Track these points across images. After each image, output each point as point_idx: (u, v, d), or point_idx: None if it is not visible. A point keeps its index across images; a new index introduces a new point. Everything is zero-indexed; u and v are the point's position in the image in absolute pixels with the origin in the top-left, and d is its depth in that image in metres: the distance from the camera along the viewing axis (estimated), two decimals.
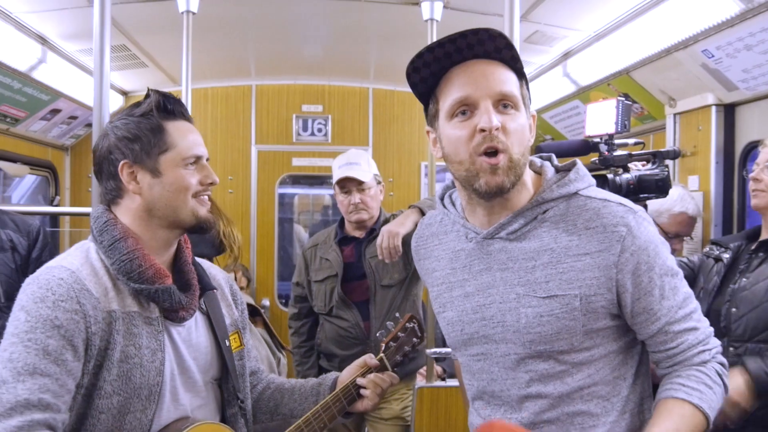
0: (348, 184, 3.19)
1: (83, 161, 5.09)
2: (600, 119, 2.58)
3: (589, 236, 1.50)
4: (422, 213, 2.95)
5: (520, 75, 1.54)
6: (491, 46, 1.49)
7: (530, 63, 4.14)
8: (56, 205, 4.80)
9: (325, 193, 5.93)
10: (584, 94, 3.88)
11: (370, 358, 1.97)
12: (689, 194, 2.98)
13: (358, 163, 3.23)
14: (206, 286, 1.79)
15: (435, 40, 2.37)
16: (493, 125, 1.44)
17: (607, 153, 2.50)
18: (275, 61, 4.93)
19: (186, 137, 1.70)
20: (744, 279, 2.35)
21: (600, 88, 3.71)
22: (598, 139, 2.57)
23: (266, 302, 5.12)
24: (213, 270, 1.91)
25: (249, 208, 5.25)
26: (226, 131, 5.24)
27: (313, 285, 3.29)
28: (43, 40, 3.62)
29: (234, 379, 1.79)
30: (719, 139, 3.04)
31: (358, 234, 3.25)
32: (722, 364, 1.54)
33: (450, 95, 1.51)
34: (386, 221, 3.23)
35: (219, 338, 1.78)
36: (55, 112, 4.29)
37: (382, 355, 2.00)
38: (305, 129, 5.33)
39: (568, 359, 1.52)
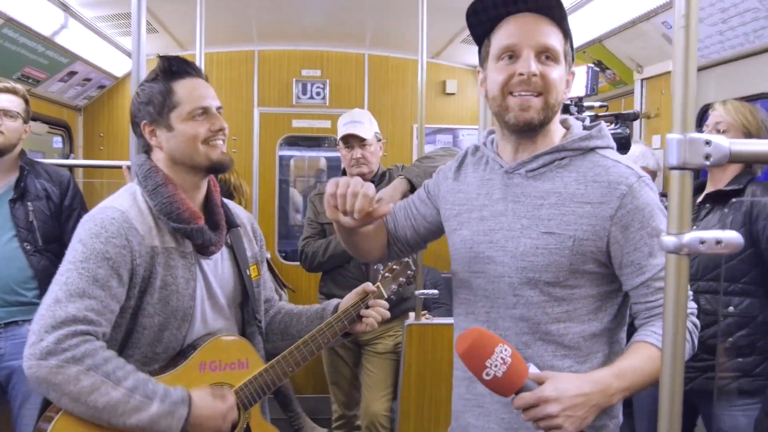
0: (351, 140, 3.50)
1: (95, 121, 5.33)
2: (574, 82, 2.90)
3: (594, 188, 1.63)
4: (410, 183, 3.29)
5: (566, 34, 1.67)
6: (543, 2, 1.62)
7: None
8: None
9: (320, 156, 6.13)
10: None
11: (368, 285, 2.18)
12: (651, 151, 3.30)
13: (362, 121, 3.53)
14: (231, 224, 2.07)
15: (426, 10, 2.63)
16: (531, 70, 1.59)
17: (576, 114, 2.82)
18: (277, 27, 5.13)
19: (191, 93, 1.94)
20: (694, 227, 2.67)
21: (577, 54, 4.00)
22: (568, 101, 2.89)
23: (267, 255, 5.41)
24: (237, 210, 2.19)
25: (251, 168, 5.46)
26: (231, 94, 5.41)
27: (326, 227, 3.59)
28: (65, 6, 3.87)
29: (253, 303, 2.08)
30: None
31: None
32: (695, 324, 1.63)
33: (499, 41, 1.66)
34: (383, 175, 3.57)
35: (241, 269, 2.07)
36: (72, 74, 4.55)
37: (379, 283, 2.23)
38: (304, 92, 5.51)
39: (551, 292, 1.65)
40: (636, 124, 3.63)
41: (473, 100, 5.57)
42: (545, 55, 1.62)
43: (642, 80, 3.61)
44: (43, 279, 3.07)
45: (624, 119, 2.81)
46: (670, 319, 1.10)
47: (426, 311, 3.66)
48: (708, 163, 1.06)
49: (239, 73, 5.48)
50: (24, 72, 4.01)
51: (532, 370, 1.50)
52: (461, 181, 1.89)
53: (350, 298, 2.19)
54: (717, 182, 2.70)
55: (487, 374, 1.43)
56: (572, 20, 3.70)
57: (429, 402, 3.42)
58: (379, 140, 3.62)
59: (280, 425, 4.66)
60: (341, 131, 3.54)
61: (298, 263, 3.83)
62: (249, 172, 5.44)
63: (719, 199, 2.65)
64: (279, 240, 5.61)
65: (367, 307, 2.16)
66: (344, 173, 3.66)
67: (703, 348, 2.47)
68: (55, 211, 3.20)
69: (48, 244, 3.14)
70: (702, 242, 1.07)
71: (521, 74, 1.61)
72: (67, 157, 5.08)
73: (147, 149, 2.00)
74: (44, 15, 3.77)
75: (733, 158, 1.08)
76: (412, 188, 3.27)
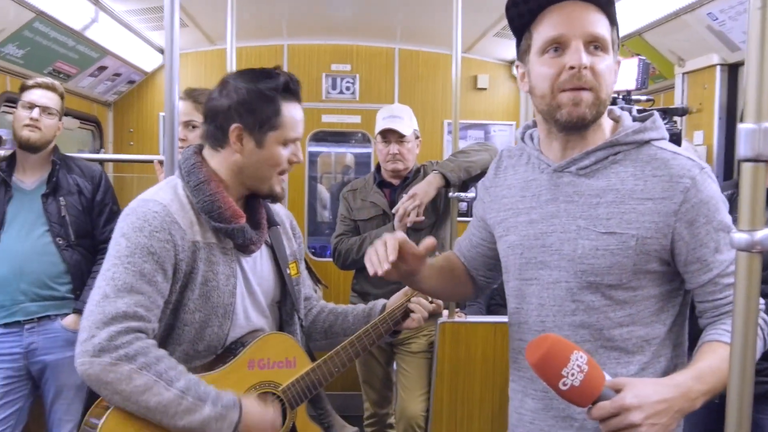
0: (389, 135, 3.45)
1: (124, 116, 5.34)
2: (621, 76, 2.81)
3: (655, 183, 1.55)
4: (444, 178, 3.23)
5: (612, 20, 1.59)
6: None
7: None
8: None
9: (348, 152, 6.09)
10: None
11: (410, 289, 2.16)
12: (693, 147, 3.23)
13: (401, 117, 3.49)
14: (272, 222, 2.05)
15: (460, 4, 2.57)
16: (582, 63, 1.50)
17: (624, 109, 2.74)
18: (307, 22, 5.10)
19: (294, 120, 1.91)
20: None
21: (628, 43, 3.91)
22: (615, 95, 2.81)
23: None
24: (277, 207, 2.16)
25: None
26: None
27: (359, 224, 3.56)
28: (96, 0, 3.88)
29: (293, 301, 2.06)
30: (723, 97, 3.25)
31: (394, 181, 3.54)
32: (765, 321, 1.55)
33: (544, 32, 1.56)
34: (417, 171, 3.52)
35: (281, 267, 2.05)
36: (102, 69, 4.55)
37: None
38: (334, 87, 5.49)
39: (613, 295, 1.59)
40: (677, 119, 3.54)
41: (505, 95, 5.53)
42: (594, 44, 1.54)
43: (683, 74, 3.53)
44: (76, 273, 3.11)
45: (672, 114, 2.73)
46: (740, 319, 1.05)
47: (459, 309, 3.60)
48: None
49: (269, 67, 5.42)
50: (55, 67, 4.02)
51: (608, 379, 1.41)
52: (501, 185, 1.83)
53: (397, 297, 2.19)
54: None
55: (564, 384, 1.35)
56: (619, 6, 3.63)
57: (462, 400, 3.38)
58: (417, 137, 3.57)
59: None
60: (380, 125, 3.49)
61: (326, 259, 3.80)
62: None
63: None
64: (308, 236, 5.59)
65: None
66: (378, 169, 3.61)
67: None
68: (87, 206, 3.21)
69: (80, 238, 3.16)
70: None
71: (572, 67, 1.52)
72: (98, 152, 5.10)
73: (213, 142, 1.94)
74: (75, 9, 3.78)
75: None
76: (447, 183, 3.22)
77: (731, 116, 3.25)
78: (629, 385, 1.38)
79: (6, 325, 3.03)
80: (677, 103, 3.53)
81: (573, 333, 1.61)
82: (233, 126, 1.88)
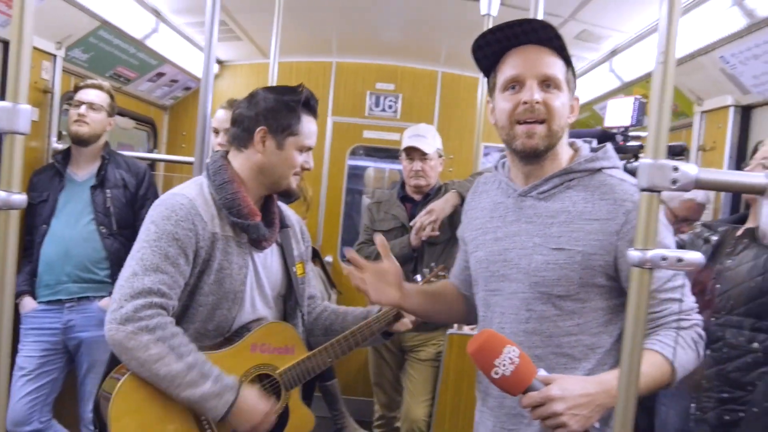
0: (413, 152, 3.65)
1: (179, 120, 5.60)
2: (619, 113, 2.98)
3: (602, 206, 1.72)
4: (461, 196, 3.42)
5: (567, 62, 1.78)
6: (543, 35, 1.74)
7: (582, 58, 4.47)
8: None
9: (393, 168, 6.19)
10: (628, 88, 4.17)
11: None
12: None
13: (425, 136, 3.68)
14: (283, 225, 2.30)
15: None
16: (534, 98, 1.71)
17: (622, 143, 2.90)
18: (355, 41, 5.34)
19: (310, 130, 2.20)
20: (729, 261, 2.61)
21: (641, 84, 4.01)
22: (615, 130, 2.97)
23: (329, 258, 5.58)
24: (288, 212, 2.40)
25: (321, 174, 5.64)
26: None
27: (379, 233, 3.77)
28: (157, 13, 4.17)
29: (297, 297, 2.28)
30: (734, 137, 3.32)
31: (416, 197, 3.73)
32: (700, 335, 1.71)
33: (504, 72, 1.78)
34: (439, 189, 3.71)
35: (288, 265, 2.28)
36: (160, 75, 4.84)
37: None
38: (377, 105, 5.67)
39: (563, 305, 1.74)
40: (693, 155, 3.64)
41: None
42: (547, 83, 1.73)
43: (702, 113, 3.62)
44: (115, 260, 3.37)
45: (671, 152, 2.87)
46: (630, 326, 1.22)
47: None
48: (674, 187, 1.17)
49: (317, 83, 5.65)
50: (116, 71, 4.33)
51: (542, 373, 1.58)
52: (476, 207, 2.01)
53: None
54: (757, 219, 2.71)
55: (496, 373, 1.53)
56: (634, 50, 3.74)
57: (465, 407, 3.48)
58: (441, 156, 3.75)
59: (325, 423, 4.86)
60: (405, 143, 3.70)
61: None
62: (318, 177, 5.63)
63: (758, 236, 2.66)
64: (342, 245, 5.75)
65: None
66: (403, 185, 3.81)
67: (724, 380, 2.52)
68: (131, 199, 3.49)
69: (122, 229, 3.43)
70: (664, 259, 1.18)
71: (525, 103, 1.72)
72: (151, 152, 5.39)
73: (238, 143, 2.20)
74: (137, 19, 4.07)
75: (699, 185, 1.19)
76: (463, 201, 3.41)
77: (741, 156, 3.33)
78: (558, 380, 1.56)
79: (48, 302, 3.32)
80: (694, 140, 3.64)
81: (526, 339, 1.76)
82: (259, 128, 2.15)
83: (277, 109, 2.15)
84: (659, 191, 1.18)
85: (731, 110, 3.36)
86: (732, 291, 2.59)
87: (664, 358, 1.63)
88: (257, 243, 2.18)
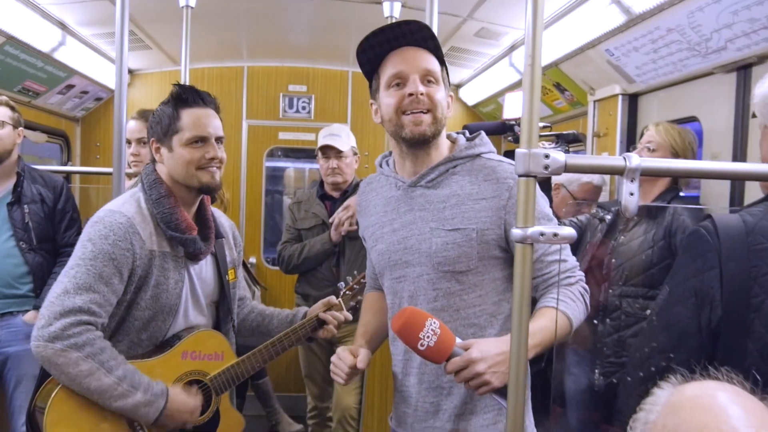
0: (329, 151, 3.79)
1: (92, 131, 5.59)
2: (515, 106, 3.19)
3: (486, 186, 1.90)
4: None
5: (442, 62, 1.95)
6: (419, 36, 1.91)
7: (484, 54, 4.68)
8: None
9: (316, 167, 6.34)
10: None
11: (333, 299, 2.50)
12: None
13: (339, 135, 3.83)
14: (218, 235, 2.37)
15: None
16: (419, 90, 1.87)
17: (518, 132, 3.11)
18: (265, 45, 5.40)
19: (194, 122, 2.19)
20: (622, 237, 2.87)
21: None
22: (513, 122, 3.18)
23: (253, 260, 5.63)
24: (222, 219, 2.48)
25: (239, 176, 5.71)
26: (221, 107, 5.66)
27: (302, 233, 3.88)
28: (63, 25, 4.16)
29: (229, 303, 2.38)
30: (623, 123, 3.58)
31: (335, 194, 3.88)
32: (585, 289, 1.93)
33: (388, 71, 1.92)
34: (357, 186, 3.86)
35: (222, 273, 2.36)
36: (70, 87, 4.83)
37: (340, 299, 2.53)
38: (291, 107, 5.77)
39: (465, 280, 1.90)
40: (589, 141, 3.90)
41: (450, 119, 5.81)
42: (428, 78, 1.91)
43: (594, 102, 3.87)
44: (38, 274, 3.38)
45: (564, 139, 3.10)
46: (517, 294, 1.39)
47: None
48: (547, 172, 1.35)
49: (230, 88, 5.74)
50: (24, 85, 4.31)
51: (459, 341, 1.73)
52: (367, 207, 2.15)
53: (317, 307, 2.50)
54: (646, 196, 2.95)
55: (422, 345, 1.67)
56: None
57: (391, 392, 3.65)
58: (355, 154, 3.91)
59: (260, 421, 4.95)
60: (320, 142, 3.84)
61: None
62: (237, 180, 5.70)
63: (646, 212, 2.90)
64: (265, 247, 5.84)
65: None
66: (322, 184, 3.94)
67: (623, 346, 2.76)
68: (49, 213, 3.49)
69: (42, 243, 3.43)
70: (542, 234, 1.36)
71: (411, 95, 1.88)
72: (65, 165, 5.34)
73: (154, 161, 2.27)
74: (43, 33, 4.06)
75: (567, 169, 1.37)
76: None
77: (631, 140, 3.60)
78: (475, 344, 1.72)
79: None
80: (589, 127, 3.89)
81: (437, 315, 1.84)
82: (151, 141, 2.24)
83: (156, 119, 2.22)
84: (535, 176, 1.36)
85: (620, 98, 3.63)
86: (626, 264, 2.83)
87: (560, 312, 1.83)
88: (194, 256, 2.25)
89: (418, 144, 1.95)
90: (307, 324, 2.45)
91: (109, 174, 4.06)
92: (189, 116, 2.19)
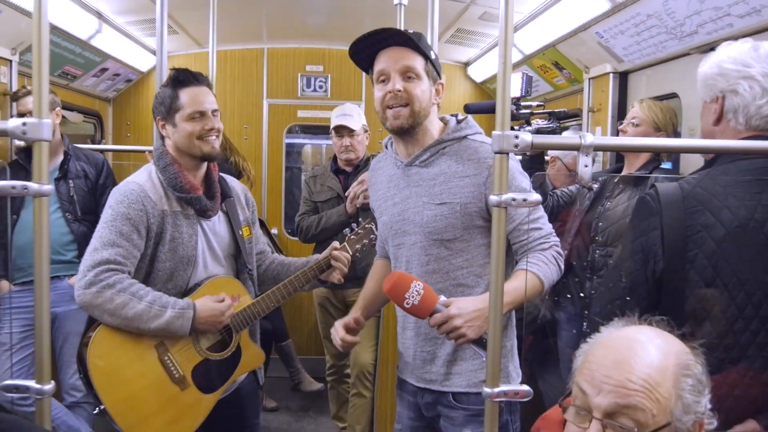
0: (341, 130, 4.12)
1: (123, 111, 5.89)
2: (513, 86, 3.48)
3: (469, 165, 2.15)
4: None
5: (426, 57, 2.17)
6: (402, 37, 2.14)
7: (488, 35, 4.97)
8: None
9: (327, 143, 6.51)
10: (529, 61, 4.69)
11: (336, 244, 2.79)
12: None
13: (351, 114, 4.14)
14: (225, 195, 2.68)
15: (402, 21, 3.23)
16: (396, 88, 2.12)
17: (515, 111, 3.40)
18: (284, 27, 5.67)
19: (192, 99, 2.49)
20: (608, 203, 3.16)
21: (539, 57, 4.52)
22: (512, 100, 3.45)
23: (275, 231, 5.91)
24: (233, 183, 2.79)
25: (261, 153, 6.00)
26: (243, 87, 5.97)
27: (318, 205, 4.20)
28: (99, 14, 4.49)
29: (244, 256, 2.68)
30: (614, 99, 3.85)
31: (348, 169, 4.20)
32: (559, 253, 2.15)
33: (375, 69, 2.19)
34: (367, 160, 4.18)
35: (234, 229, 2.67)
36: (104, 70, 5.15)
37: (345, 243, 2.83)
38: (308, 86, 6.03)
39: (452, 246, 2.17)
40: (585, 116, 4.19)
41: (460, 95, 6.11)
42: (408, 75, 2.15)
43: (589, 79, 4.14)
44: (82, 242, 3.75)
45: (555, 116, 3.40)
46: (495, 249, 1.72)
47: None
48: (517, 150, 1.68)
49: (251, 68, 6.01)
50: (64, 69, 4.65)
51: (442, 298, 2.03)
52: (377, 182, 2.44)
53: (324, 252, 2.79)
54: (630, 167, 3.26)
55: (407, 303, 1.95)
56: (530, 28, 4.23)
57: None
58: (366, 131, 4.23)
59: (284, 381, 5.32)
60: (334, 122, 4.16)
61: None
62: (259, 157, 6.00)
63: (630, 181, 3.21)
64: (286, 220, 6.13)
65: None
66: (335, 160, 4.27)
67: None
68: (92, 188, 3.88)
69: (86, 214, 3.81)
70: (513, 200, 1.69)
71: (390, 91, 2.15)
72: (99, 143, 5.67)
73: (163, 137, 2.61)
74: (82, 22, 4.39)
75: (534, 147, 1.69)
76: None
77: (621, 115, 3.86)
78: (454, 302, 2.02)
79: (24, 283, 3.64)
80: (585, 104, 4.18)
81: (429, 277, 2.19)
82: (157, 119, 2.57)
83: (159, 100, 2.55)
84: (507, 153, 1.68)
85: (611, 76, 3.90)
86: (611, 228, 3.13)
87: (533, 274, 2.09)
88: (203, 213, 2.57)
89: (399, 134, 2.22)
90: (316, 266, 2.73)
91: (141, 152, 4.46)
92: (187, 95, 2.50)
